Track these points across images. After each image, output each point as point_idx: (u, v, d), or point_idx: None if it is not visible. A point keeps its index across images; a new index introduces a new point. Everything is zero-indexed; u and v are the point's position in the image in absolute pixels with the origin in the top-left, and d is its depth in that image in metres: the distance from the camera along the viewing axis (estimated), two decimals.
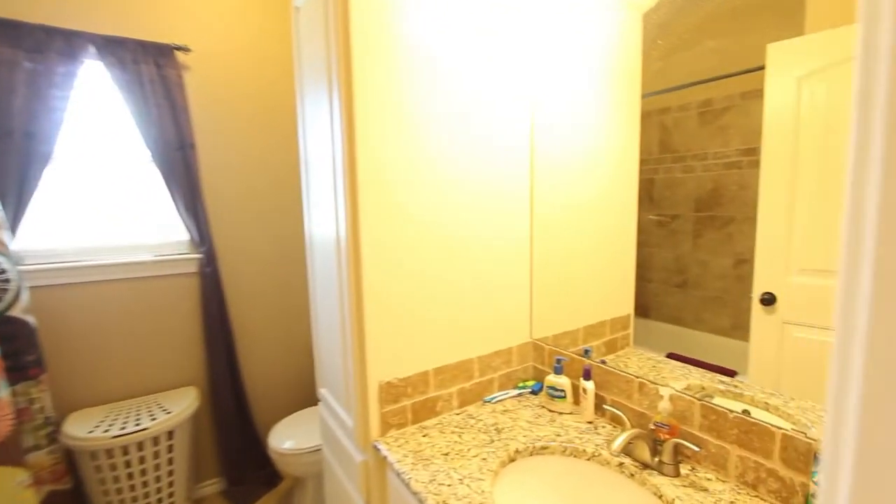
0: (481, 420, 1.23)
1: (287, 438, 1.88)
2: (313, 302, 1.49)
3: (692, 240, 1.06)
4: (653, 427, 1.03)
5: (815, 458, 0.77)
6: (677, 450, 0.97)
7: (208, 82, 2.05)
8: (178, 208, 1.99)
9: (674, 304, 1.11)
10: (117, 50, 1.78)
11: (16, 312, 1.61)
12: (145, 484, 1.74)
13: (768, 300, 0.90)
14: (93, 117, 1.88)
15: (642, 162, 1.19)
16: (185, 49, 1.94)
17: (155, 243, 2.02)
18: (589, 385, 1.20)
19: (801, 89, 0.84)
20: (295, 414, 2.09)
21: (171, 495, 1.82)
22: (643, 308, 1.24)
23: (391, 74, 1.10)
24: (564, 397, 1.25)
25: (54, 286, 1.80)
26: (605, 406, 1.17)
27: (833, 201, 0.80)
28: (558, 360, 1.28)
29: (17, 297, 1.61)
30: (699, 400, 1.00)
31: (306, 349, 2.41)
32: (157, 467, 1.76)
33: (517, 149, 1.35)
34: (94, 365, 1.89)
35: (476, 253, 1.29)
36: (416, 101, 1.14)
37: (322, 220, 1.31)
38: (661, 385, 1.07)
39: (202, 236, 2.04)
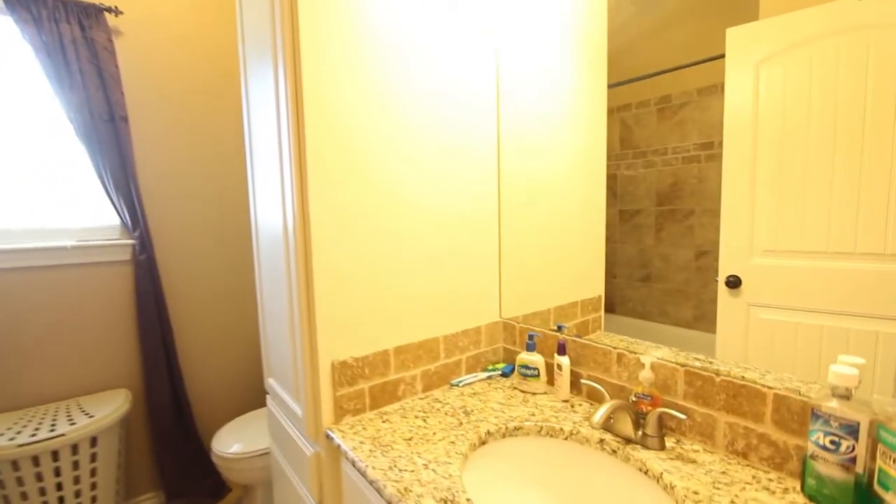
0: (448, 403, 1.11)
1: (232, 442, 1.69)
2: (259, 282, 1.33)
3: (654, 234, 1.06)
4: (634, 399, 0.95)
5: (813, 415, 0.71)
6: (661, 421, 0.88)
7: (143, 49, 1.86)
8: (107, 189, 1.77)
9: (638, 299, 1.10)
10: (30, 4, 1.57)
11: None
12: (61, 501, 1.50)
13: (733, 283, 0.90)
14: (2, 81, 1.65)
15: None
16: (115, 11, 1.75)
17: (79, 227, 1.79)
18: (564, 360, 1.11)
19: (759, 73, 0.85)
20: (242, 416, 1.89)
21: None
22: (609, 303, 1.22)
23: (344, 31, 0.98)
24: (538, 376, 1.15)
25: None
26: (581, 381, 1.08)
27: (794, 182, 0.81)
28: (531, 337, 1.19)
29: None
30: (683, 366, 0.92)
31: (254, 346, 2.21)
32: (76, 480, 1.52)
33: (483, 109, 1.26)
34: (3, 364, 1.64)
35: (441, 221, 1.18)
36: (373, 56, 1.03)
37: (268, 192, 1.17)
38: (642, 354, 0.99)
39: (135, 220, 1.82)
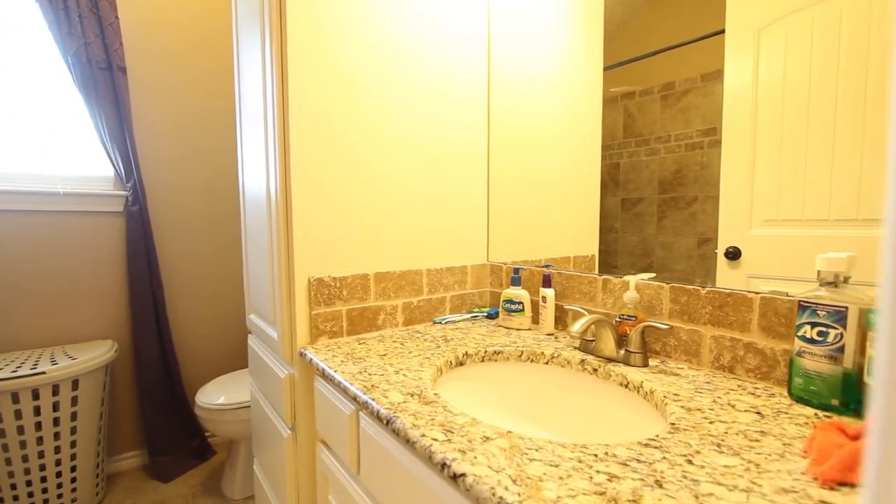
0: (429, 334, 1.08)
1: (217, 395, 1.66)
2: (244, 216, 1.31)
3: (657, 222, 1.04)
4: (618, 321, 0.91)
5: (800, 307, 0.67)
6: (644, 337, 0.85)
7: (144, 2, 1.87)
8: (102, 139, 1.78)
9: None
10: None
11: None
12: (40, 441, 1.48)
13: (732, 254, 0.89)
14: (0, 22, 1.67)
15: (606, 147, 1.16)
16: None
17: (73, 175, 1.79)
18: (549, 292, 1.08)
19: (760, 40, 0.84)
20: (228, 374, 1.87)
21: (73, 457, 1.56)
22: None
23: None
24: (522, 311, 1.12)
25: None
26: (566, 307, 1.04)
27: (795, 149, 0.80)
28: (516, 271, 1.16)
29: None
30: (668, 283, 0.89)
31: (242, 309, 2.19)
32: (56, 422, 1.50)
33: (475, 42, 1.24)
34: None
35: (430, 152, 1.16)
36: None
37: (252, 119, 1.16)
38: (627, 276, 0.96)
39: (129, 172, 1.82)
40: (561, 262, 1.25)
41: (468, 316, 1.23)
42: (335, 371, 0.82)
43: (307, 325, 1.00)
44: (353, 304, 1.06)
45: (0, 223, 1.64)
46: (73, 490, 1.57)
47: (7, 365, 1.49)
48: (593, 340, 0.91)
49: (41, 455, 1.49)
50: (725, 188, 0.89)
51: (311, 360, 0.93)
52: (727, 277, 0.88)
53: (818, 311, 0.65)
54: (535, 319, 1.15)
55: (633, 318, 0.90)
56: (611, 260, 1.16)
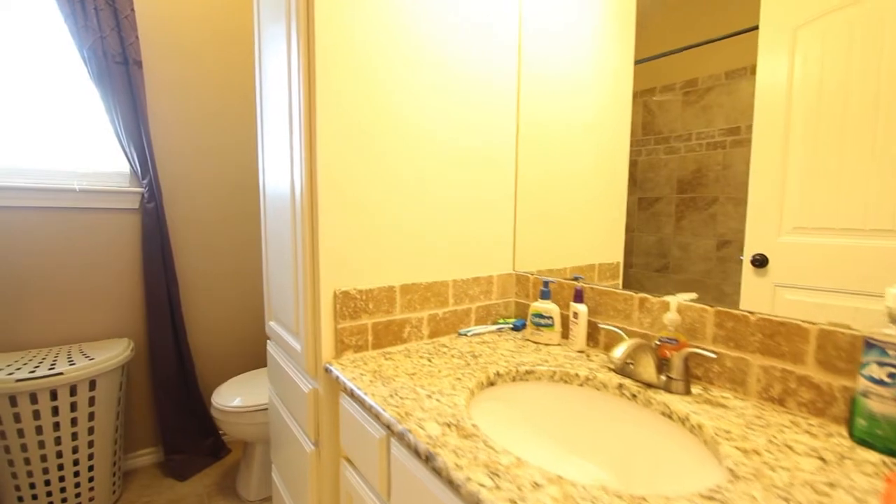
0: (456, 349, 1.05)
1: (233, 396, 1.65)
2: (264, 221, 1.28)
3: (674, 222, 1.02)
4: (658, 344, 0.87)
5: (866, 345, 0.63)
6: (688, 364, 0.81)
7: None
8: (118, 134, 1.75)
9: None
10: None
11: None
12: (58, 441, 1.48)
13: (759, 262, 0.85)
14: (17, 16, 1.63)
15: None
16: None
17: (88, 172, 1.77)
18: (581, 308, 1.04)
19: (796, 40, 0.80)
20: (244, 374, 1.86)
21: (90, 457, 1.56)
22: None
23: None
24: (552, 325, 1.08)
25: None
26: (600, 325, 1.00)
27: (830, 154, 0.75)
28: (545, 284, 1.12)
29: None
30: (713, 306, 0.84)
31: (261, 304, 2.18)
32: (73, 422, 1.50)
33: (506, 44, 1.19)
34: (7, 304, 1.62)
35: (457, 158, 1.12)
36: None
37: (276, 126, 1.12)
38: (667, 296, 0.92)
39: (145, 168, 1.80)
40: (586, 270, 1.21)
41: (494, 328, 1.19)
42: (365, 394, 0.79)
43: (332, 340, 0.97)
44: (379, 317, 1.02)
45: (16, 220, 1.62)
46: (91, 489, 1.57)
47: (25, 365, 1.48)
48: (631, 363, 0.87)
49: (59, 455, 1.48)
50: (754, 192, 0.85)
51: (337, 377, 0.90)
52: (753, 285, 0.85)
53: (888, 351, 0.60)
54: (565, 334, 1.11)
55: (674, 342, 0.86)
56: (626, 259, 1.12)
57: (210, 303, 2.03)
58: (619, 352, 0.79)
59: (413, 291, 1.07)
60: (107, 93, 1.70)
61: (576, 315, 1.04)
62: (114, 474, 1.66)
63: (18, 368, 1.44)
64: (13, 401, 1.39)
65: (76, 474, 1.53)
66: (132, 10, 1.73)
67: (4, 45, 1.62)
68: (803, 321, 0.73)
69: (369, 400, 0.77)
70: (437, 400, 0.77)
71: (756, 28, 0.85)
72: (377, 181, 1.00)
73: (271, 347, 1.31)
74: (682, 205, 0.99)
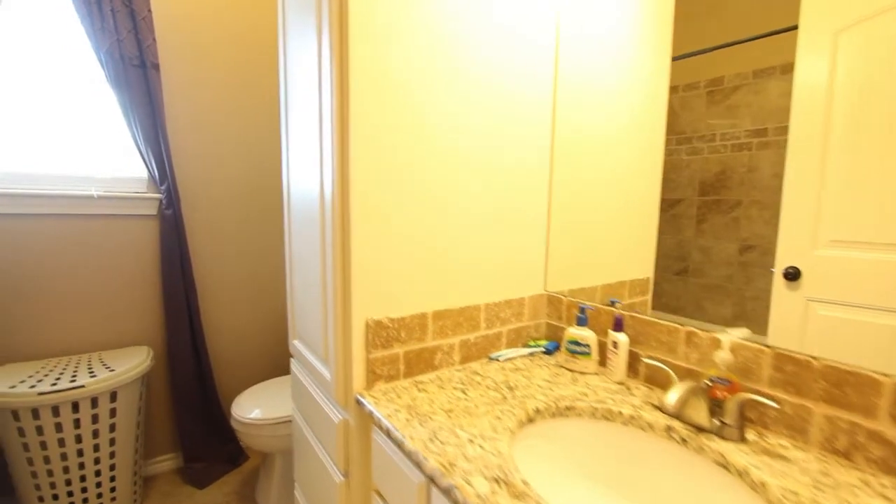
0: (489, 377, 1.01)
1: (252, 407, 1.63)
2: (288, 235, 1.25)
3: (695, 225, 1.00)
4: (708, 384, 0.83)
5: None
6: (743, 409, 0.76)
7: None
8: (136, 139, 1.71)
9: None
10: None
11: None
12: (80, 453, 1.47)
13: (792, 275, 0.82)
14: (34, 20, 1.59)
15: None
16: None
17: (106, 177, 1.74)
18: (621, 338, 0.99)
19: (837, 44, 0.75)
20: (263, 383, 1.84)
21: (112, 468, 1.55)
22: None
23: None
24: (588, 354, 1.04)
25: None
26: (643, 359, 0.96)
27: (872, 165, 0.71)
28: (582, 310, 1.07)
29: None
30: (770, 347, 0.79)
31: (279, 311, 2.16)
32: (95, 433, 1.49)
33: (543, 48, 1.13)
34: (26, 313, 1.61)
35: (490, 176, 1.07)
36: None
37: (303, 139, 1.07)
38: (719, 332, 0.87)
39: (163, 174, 1.76)
40: (616, 287, 1.17)
41: (526, 351, 1.15)
42: (404, 436, 0.76)
43: (363, 370, 0.94)
44: (411, 345, 0.99)
45: (35, 227, 1.60)
46: (113, 500, 1.57)
47: (46, 376, 1.47)
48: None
49: (81, 466, 1.48)
50: (788, 200, 0.81)
51: (370, 412, 0.86)
52: (784, 298, 0.82)
53: None
54: (602, 362, 1.07)
55: (727, 383, 0.82)
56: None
57: (229, 309, 2.01)
58: (672, 398, 0.74)
59: (445, 317, 1.03)
60: (124, 97, 1.66)
61: (615, 345, 1.00)
62: (135, 483, 1.66)
63: (40, 380, 1.43)
64: (36, 413, 1.39)
65: (98, 485, 1.53)
66: (149, 11, 1.68)
67: (22, 49, 1.58)
68: (876, 372, 0.68)
69: (409, 444, 0.73)
70: (480, 446, 0.73)
71: (795, 28, 0.80)
72: (409, 200, 0.96)
73: (295, 366, 1.28)
74: (704, 207, 0.96)
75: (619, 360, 0.99)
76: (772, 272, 0.84)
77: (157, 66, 1.71)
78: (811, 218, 0.78)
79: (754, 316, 0.87)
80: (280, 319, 2.16)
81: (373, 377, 0.94)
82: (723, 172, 0.93)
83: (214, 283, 1.97)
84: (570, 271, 1.22)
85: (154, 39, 1.69)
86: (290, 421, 1.57)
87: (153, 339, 1.85)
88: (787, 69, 0.81)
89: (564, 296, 1.20)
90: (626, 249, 1.14)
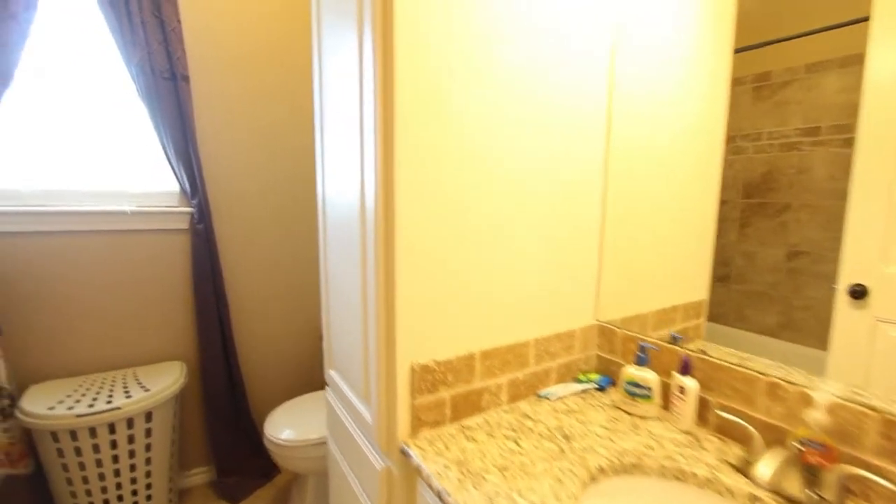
0: (541, 421, 0.93)
1: (285, 427, 1.60)
2: (324, 261, 1.19)
3: (738, 229, 0.95)
4: (799, 447, 0.73)
5: None
6: (846, 482, 0.67)
7: (207, 2, 1.73)
8: (166, 153, 1.69)
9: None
10: None
11: None
12: (117, 473, 1.47)
13: (859, 293, 0.75)
14: (65, 33, 1.57)
15: None
16: None
17: (138, 192, 1.72)
18: (689, 383, 0.90)
19: None
20: (296, 399, 1.81)
21: (148, 486, 1.55)
22: None
23: None
24: (650, 397, 0.95)
25: (14, 234, 1.51)
26: (718, 413, 0.86)
27: None
28: (643, 349, 0.98)
29: None
30: (877, 410, 0.69)
31: (312, 325, 2.12)
32: (131, 454, 1.49)
33: (596, 56, 1.04)
34: (62, 329, 1.61)
35: (540, 199, 0.99)
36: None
37: (341, 158, 1.01)
38: (808, 386, 0.77)
39: (194, 187, 1.74)
40: (669, 312, 1.08)
41: (577, 388, 1.07)
42: (457, 503, 0.69)
43: (408, 416, 0.87)
44: (458, 388, 0.92)
45: (70, 244, 1.60)
46: None
47: (83, 395, 1.47)
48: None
49: (119, 486, 1.48)
50: (855, 212, 0.75)
51: (417, 467, 0.80)
52: (847, 317, 0.75)
53: None
54: (666, 405, 0.98)
55: (822, 448, 0.72)
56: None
57: (261, 323, 1.99)
58: (765, 471, 0.65)
59: (494, 356, 0.96)
60: (155, 110, 1.64)
61: (682, 390, 0.90)
62: (170, 500, 1.65)
63: (77, 401, 1.43)
64: (74, 435, 1.38)
65: (135, 503, 1.52)
66: (178, 21, 1.64)
67: (55, 67, 1.57)
68: None
69: None
70: None
71: (865, 20, 0.72)
72: (454, 230, 0.88)
73: (330, 396, 1.23)
74: (749, 210, 0.91)
75: (686, 408, 0.90)
76: (834, 289, 0.77)
77: (186, 78, 1.67)
78: (882, 231, 0.71)
79: (804, 326, 0.82)
80: (314, 332, 2.13)
81: (417, 423, 0.88)
82: (769, 173, 0.87)
83: (246, 296, 1.94)
84: (621, 297, 1.14)
85: (183, 51, 1.66)
86: (321, 443, 1.54)
87: (186, 353, 1.84)
88: (848, 62, 0.75)
89: (618, 327, 1.11)
90: (680, 269, 1.06)
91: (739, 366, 0.87)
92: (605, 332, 1.13)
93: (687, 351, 0.96)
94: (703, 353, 0.93)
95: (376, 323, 0.87)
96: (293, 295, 2.06)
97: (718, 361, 0.90)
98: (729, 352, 0.91)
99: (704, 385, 0.91)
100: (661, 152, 1.05)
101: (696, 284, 1.04)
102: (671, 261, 1.07)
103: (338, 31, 0.96)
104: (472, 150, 0.87)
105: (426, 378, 0.87)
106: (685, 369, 0.91)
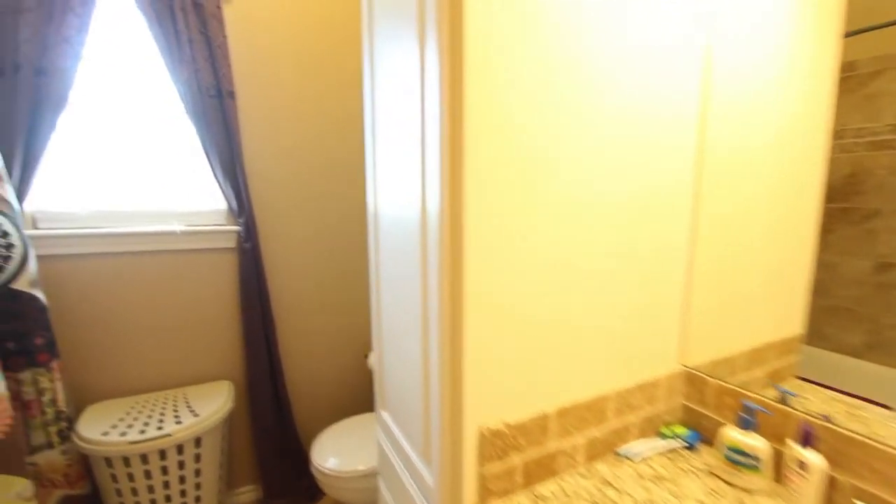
0: (626, 493, 0.81)
1: (332, 454, 1.55)
2: (375, 290, 1.10)
3: (818, 236, 0.86)
4: None
5: None
6: None
7: (252, 17, 1.69)
8: (214, 171, 1.66)
9: None
10: None
11: (21, 286, 1.34)
12: (168, 499, 1.46)
13: None
14: (115, 54, 1.57)
15: None
16: None
17: (187, 211, 1.71)
18: (813, 459, 0.75)
19: None
20: (343, 422, 1.75)
21: None
22: None
23: None
24: (758, 468, 0.81)
25: (68, 256, 1.52)
26: (848, 495, 0.71)
27: None
28: (748, 410, 0.83)
29: (22, 267, 1.33)
30: None
31: (358, 343, 2.07)
32: (182, 479, 1.47)
33: (686, 51, 0.89)
34: (116, 350, 1.62)
35: (619, 217, 0.85)
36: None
37: (397, 181, 0.91)
38: None
39: (241, 205, 1.70)
40: (762, 351, 0.94)
41: (661, 445, 0.94)
42: None
43: (474, 485, 0.77)
44: (531, 452, 0.81)
45: (122, 265, 1.60)
46: None
47: (136, 419, 1.46)
48: None
49: None
50: None
51: None
52: None
53: None
54: (778, 477, 0.83)
55: None
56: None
57: (306, 342, 1.95)
58: None
59: (569, 414, 0.84)
60: (202, 127, 1.61)
61: (803, 466, 0.75)
62: None
63: (130, 425, 1.42)
64: (126, 461, 1.38)
65: None
66: (224, 36, 1.61)
67: (106, 86, 1.57)
68: None
69: None
70: None
71: None
72: (528, 266, 0.77)
73: (381, 438, 1.14)
74: (830, 216, 0.83)
75: (808, 488, 0.75)
76: None
77: (232, 94, 1.63)
78: None
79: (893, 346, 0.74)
80: (360, 350, 2.07)
81: (485, 492, 0.77)
82: (855, 175, 0.80)
83: (292, 314, 1.90)
84: (709, 335, 1.00)
85: (229, 66, 1.62)
86: (371, 475, 1.47)
87: (233, 372, 1.82)
88: None
89: (708, 375, 0.97)
90: (774, 297, 0.92)
91: (878, 441, 0.71)
92: (693, 381, 0.99)
93: (807, 416, 0.80)
94: (828, 419, 0.78)
95: (440, 382, 0.77)
96: (339, 312, 2.00)
97: (849, 433, 0.74)
98: (830, 394, 0.78)
99: (833, 461, 0.76)
100: (755, 159, 0.91)
101: (790, 315, 0.91)
102: (765, 289, 0.94)
103: (394, 43, 0.87)
104: (545, 168, 0.75)
105: (496, 444, 0.77)
106: (806, 440, 0.76)
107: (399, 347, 0.96)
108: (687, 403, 1.00)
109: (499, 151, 0.71)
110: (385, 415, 1.10)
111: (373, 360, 1.17)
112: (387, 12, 0.88)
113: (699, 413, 0.98)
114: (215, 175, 1.67)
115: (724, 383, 0.93)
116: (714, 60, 0.93)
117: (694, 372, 0.99)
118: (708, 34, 0.92)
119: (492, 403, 0.77)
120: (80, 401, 1.57)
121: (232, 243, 1.75)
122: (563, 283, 0.80)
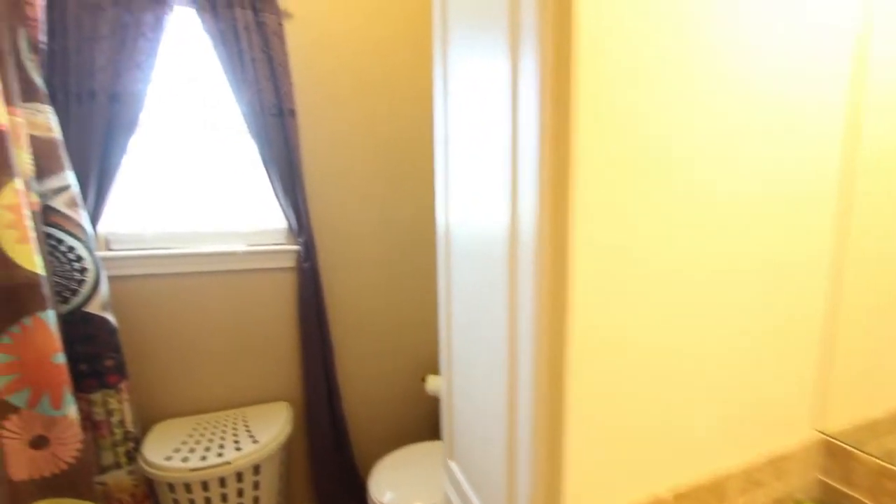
0: None
1: (390, 487, 1.46)
2: (446, 330, 1.00)
3: None
4: None
5: None
6: None
7: (314, 33, 1.66)
8: (274, 190, 1.64)
9: None
10: None
11: (93, 309, 1.36)
12: None
13: None
14: (182, 78, 1.58)
15: None
16: None
17: (248, 231, 1.70)
18: None
19: None
20: (403, 450, 1.67)
21: None
22: None
23: None
24: None
25: (138, 277, 1.54)
26: None
27: None
28: None
29: (95, 290, 1.36)
30: None
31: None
32: None
33: (832, 29, 0.72)
34: (178, 370, 1.63)
35: (750, 239, 0.69)
36: None
37: (477, 201, 0.80)
38: None
39: (300, 225, 1.67)
40: None
41: None
42: None
43: None
44: None
45: (186, 285, 1.61)
46: None
47: (198, 443, 1.45)
48: None
49: None
50: None
51: None
52: None
53: None
54: None
55: None
56: None
57: (365, 366, 1.90)
58: None
59: (687, 498, 0.70)
60: (264, 147, 1.59)
61: None
62: None
63: (192, 449, 1.42)
64: (188, 488, 1.36)
65: None
66: (285, 54, 1.58)
67: (174, 108, 1.58)
68: None
69: None
70: None
71: None
72: (639, 300, 0.63)
73: (449, 489, 1.04)
74: None
75: None
76: None
77: (293, 112, 1.61)
78: None
79: None
80: (418, 383, 2.00)
81: None
82: None
83: (351, 336, 1.86)
84: (853, 391, 0.81)
85: (290, 84, 1.59)
86: None
87: (291, 394, 1.79)
88: None
89: (854, 447, 0.78)
90: None
91: None
92: (833, 453, 0.81)
93: None
94: None
95: (531, 448, 0.65)
96: (400, 334, 1.93)
97: None
98: None
99: None
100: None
101: None
102: None
103: (476, 54, 0.76)
104: (668, 170, 0.62)
105: None
106: None
107: (474, 394, 0.85)
108: (825, 479, 0.82)
109: (615, 151, 0.58)
110: (455, 469, 0.99)
111: (432, 387, 1.06)
112: (466, 16, 0.78)
113: (843, 493, 0.79)
114: (276, 194, 1.64)
115: (883, 462, 0.75)
116: (870, 42, 0.74)
117: (834, 441, 0.81)
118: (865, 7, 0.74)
119: (595, 484, 0.64)
120: (146, 420, 1.59)
121: (291, 263, 1.72)
122: (682, 319, 0.66)
